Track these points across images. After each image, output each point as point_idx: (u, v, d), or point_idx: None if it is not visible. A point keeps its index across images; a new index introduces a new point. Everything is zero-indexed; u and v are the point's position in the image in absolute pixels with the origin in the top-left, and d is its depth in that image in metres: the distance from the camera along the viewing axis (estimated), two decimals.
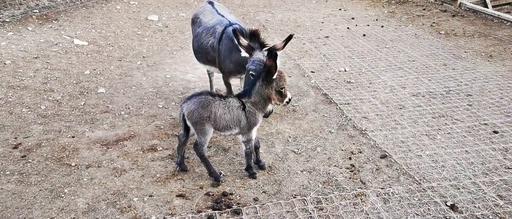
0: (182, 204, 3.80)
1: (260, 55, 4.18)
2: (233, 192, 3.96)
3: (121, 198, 3.88)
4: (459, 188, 3.98)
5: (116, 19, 9.77)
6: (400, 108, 5.67)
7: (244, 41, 4.25)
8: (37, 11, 9.28)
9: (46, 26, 8.73)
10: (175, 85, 6.53)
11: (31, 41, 7.84)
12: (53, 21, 9.05)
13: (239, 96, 3.96)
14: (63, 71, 6.77)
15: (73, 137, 4.93)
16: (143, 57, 7.65)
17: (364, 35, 9.03)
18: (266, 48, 4.25)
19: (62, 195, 3.90)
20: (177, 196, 3.90)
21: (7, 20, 8.56)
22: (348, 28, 9.62)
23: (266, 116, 4.19)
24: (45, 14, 9.36)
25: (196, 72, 7.06)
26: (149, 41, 8.53)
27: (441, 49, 8.07)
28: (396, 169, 4.31)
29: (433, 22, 9.92)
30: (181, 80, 6.72)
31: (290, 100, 3.92)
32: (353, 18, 10.47)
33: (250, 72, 4.14)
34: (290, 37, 4.20)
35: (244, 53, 4.27)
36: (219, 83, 6.15)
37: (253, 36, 4.29)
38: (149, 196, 3.90)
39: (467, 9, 10.71)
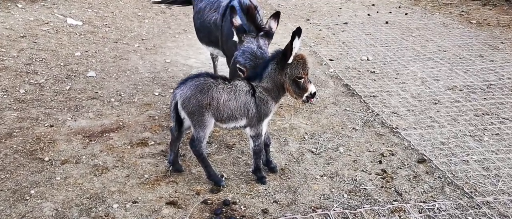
0: (172, 214, 3.04)
1: (253, 44, 3.31)
2: (237, 201, 3.19)
3: (98, 203, 3.13)
4: None
5: None
6: (435, 103, 4.85)
7: (237, 20, 3.40)
8: None
9: (38, 3, 7.98)
10: (175, 70, 5.76)
11: (19, 18, 7.10)
12: None
13: (248, 79, 3.18)
14: (51, 52, 6.03)
15: (51, 126, 4.19)
16: (142, 39, 6.88)
17: (386, 22, 8.17)
18: (262, 32, 3.36)
19: (27, 198, 3.17)
20: (167, 203, 3.13)
21: None
22: (368, 14, 8.76)
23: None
24: None
25: (200, 57, 6.28)
26: (150, 22, 7.75)
27: (475, 39, 7.19)
28: (439, 177, 3.50)
29: (462, 11, 9.02)
30: (182, 66, 5.95)
31: (312, 95, 3.07)
32: (373, 5, 9.59)
33: (237, 65, 3.30)
34: None
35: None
36: (225, 69, 5.36)
37: (248, 15, 3.35)
38: (133, 202, 3.15)
39: None
